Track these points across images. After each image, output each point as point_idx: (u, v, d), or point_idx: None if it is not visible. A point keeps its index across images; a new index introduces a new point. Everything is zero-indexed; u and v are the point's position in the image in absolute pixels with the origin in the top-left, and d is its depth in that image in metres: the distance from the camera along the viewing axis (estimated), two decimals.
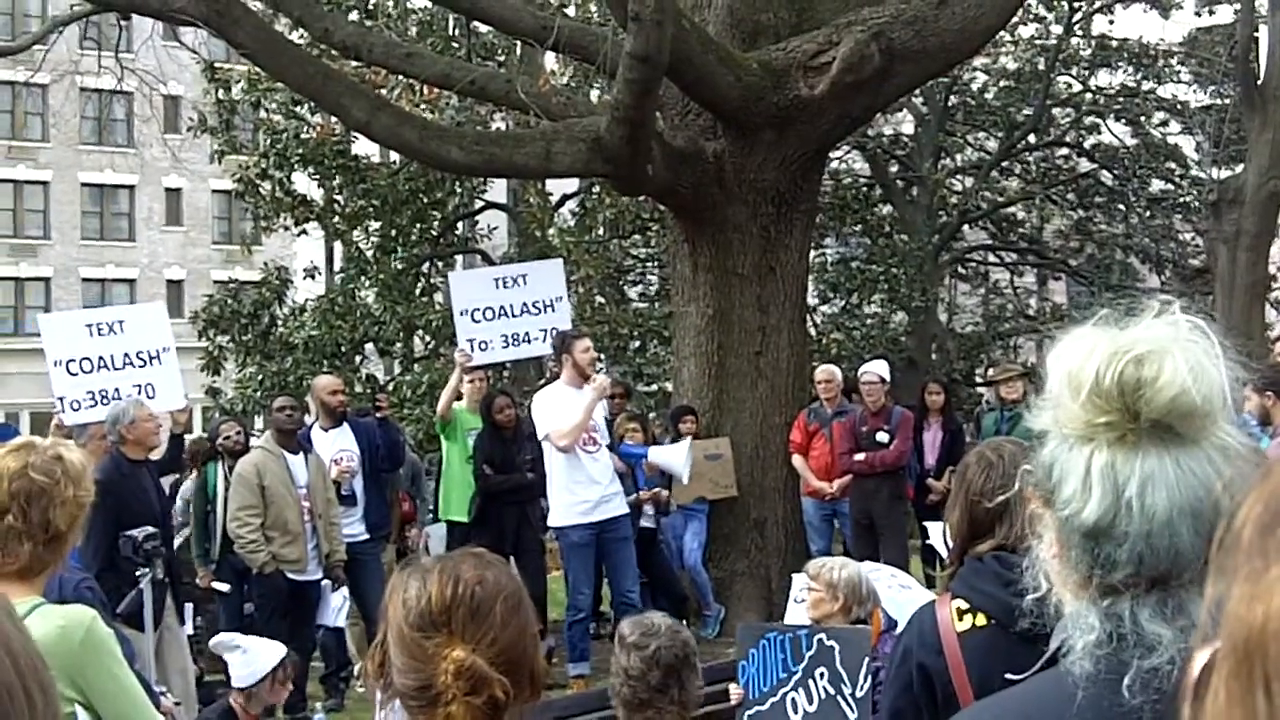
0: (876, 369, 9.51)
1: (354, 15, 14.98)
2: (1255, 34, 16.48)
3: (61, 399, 8.16)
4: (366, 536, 8.30)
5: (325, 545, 7.75)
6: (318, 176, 16.87)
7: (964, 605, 2.41)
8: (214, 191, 35.96)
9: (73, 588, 3.18)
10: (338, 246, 19.42)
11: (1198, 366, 1.30)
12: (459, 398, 8.96)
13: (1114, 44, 20.29)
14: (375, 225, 17.12)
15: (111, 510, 6.40)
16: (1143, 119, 20.58)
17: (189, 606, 7.83)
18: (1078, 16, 20.08)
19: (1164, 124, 20.99)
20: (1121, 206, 21.13)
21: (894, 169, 21.04)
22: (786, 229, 9.31)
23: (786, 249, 9.34)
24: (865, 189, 20.19)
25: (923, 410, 9.80)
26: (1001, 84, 20.79)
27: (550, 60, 15.23)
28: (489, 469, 8.55)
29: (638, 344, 17.91)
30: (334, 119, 13.36)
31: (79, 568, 4.36)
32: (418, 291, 17.14)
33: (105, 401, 7.79)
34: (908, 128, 21.54)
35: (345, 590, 7.92)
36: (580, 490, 7.64)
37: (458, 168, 11.59)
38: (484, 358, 9.29)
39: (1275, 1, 14.54)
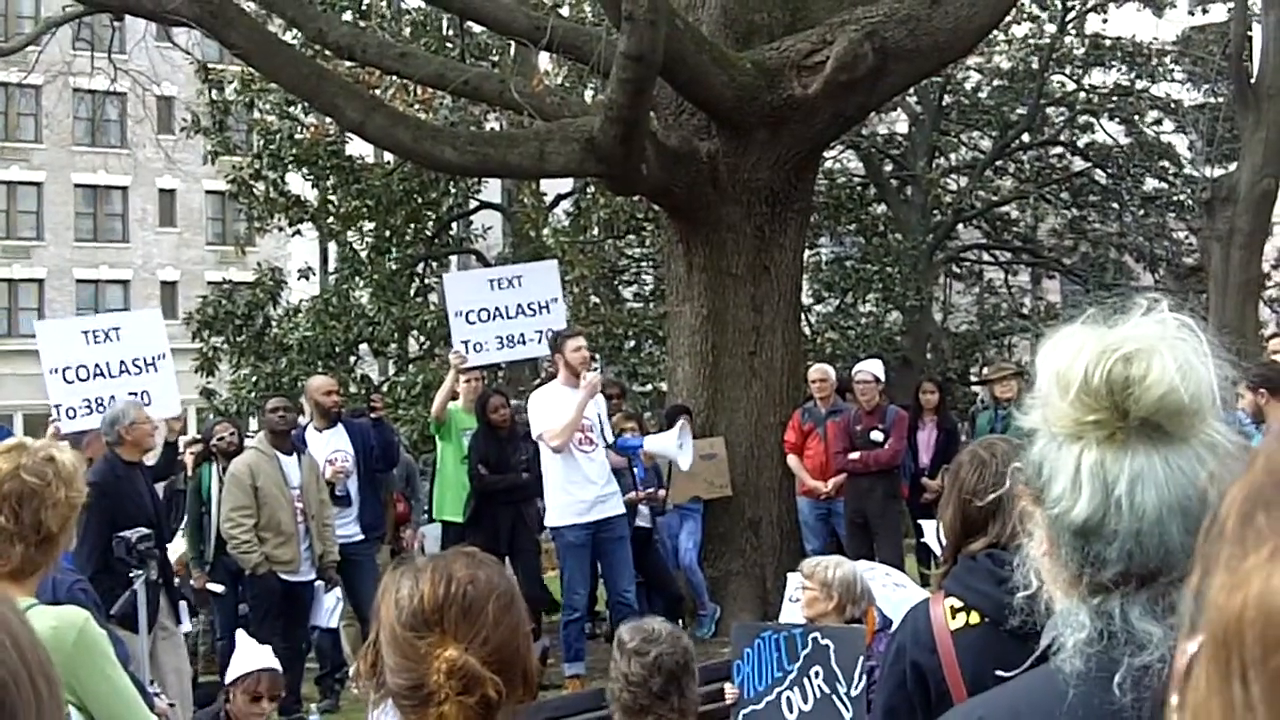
0: (871, 368, 9.52)
1: (348, 16, 14.96)
2: (1248, 32, 16.51)
3: (58, 407, 8.17)
4: (361, 537, 8.30)
5: (318, 546, 7.75)
6: (312, 177, 16.84)
7: (957, 603, 2.41)
8: (208, 192, 35.92)
9: (66, 589, 3.17)
10: (332, 247, 19.39)
11: (1186, 365, 1.30)
12: (454, 398, 8.96)
13: (1107, 43, 20.31)
14: (369, 226, 17.11)
15: (106, 512, 6.40)
16: (1136, 118, 20.61)
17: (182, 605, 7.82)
18: (1071, 15, 20.10)
19: (1158, 123, 21.02)
20: (1115, 205, 21.16)
21: (888, 168, 21.06)
22: (781, 228, 9.31)
23: (781, 248, 9.34)
24: (859, 188, 20.20)
25: (917, 409, 9.81)
26: (995, 83, 20.81)
27: (544, 60, 15.22)
28: (484, 469, 8.55)
29: (632, 344, 17.91)
30: (328, 119, 13.33)
31: (72, 569, 4.35)
32: (412, 292, 17.12)
33: (101, 409, 7.79)
34: (902, 127, 21.56)
35: (339, 591, 7.92)
36: (576, 490, 7.64)
37: (452, 168, 11.59)
38: (479, 359, 9.29)
39: (1268, 0, 14.57)
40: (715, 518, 9.21)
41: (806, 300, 16.40)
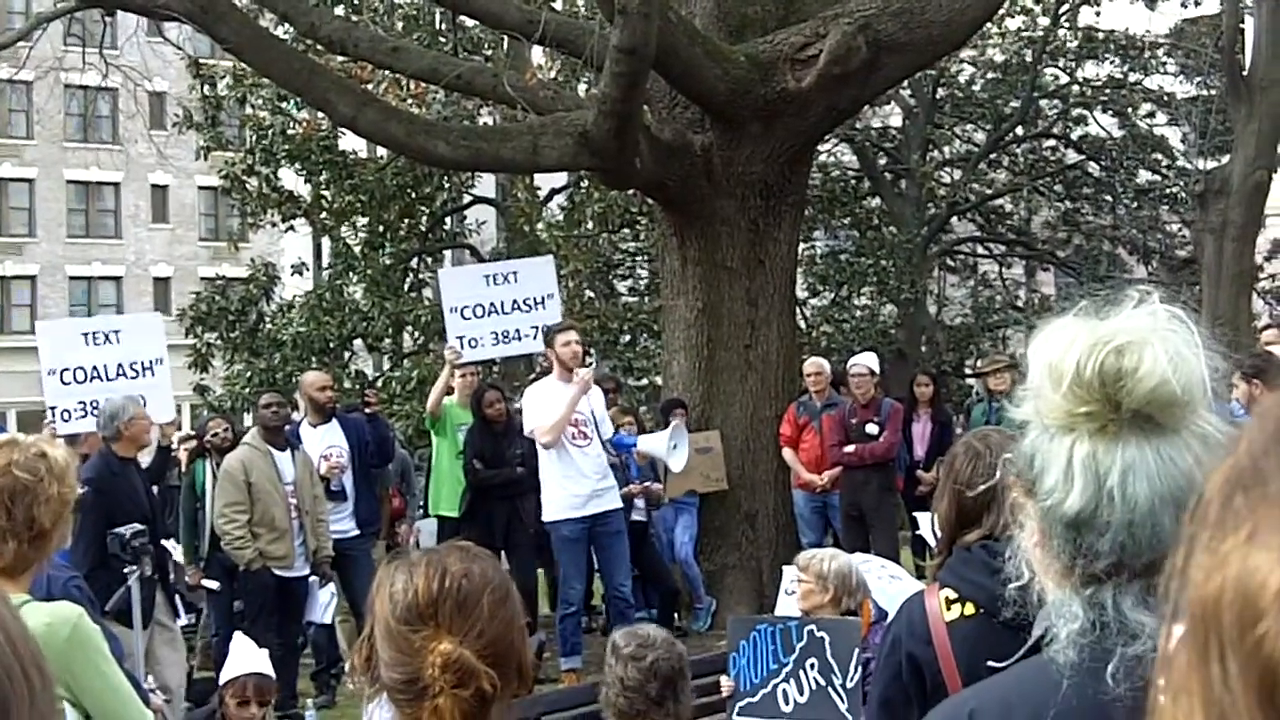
0: (865, 361, 9.54)
1: (340, 10, 14.92)
2: (1241, 25, 16.52)
3: (53, 409, 8.17)
4: (357, 532, 8.30)
5: (312, 542, 7.74)
6: (304, 172, 16.82)
7: (952, 595, 2.42)
8: (200, 188, 35.81)
9: (60, 586, 3.17)
10: (325, 242, 19.37)
11: (1177, 356, 1.31)
12: (449, 393, 8.95)
13: (1100, 36, 20.31)
14: (363, 221, 17.09)
15: (103, 508, 6.39)
16: (1129, 110, 20.61)
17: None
18: (1064, 8, 20.09)
19: (1150, 115, 21.03)
20: (1109, 198, 21.17)
21: (882, 162, 21.05)
22: (775, 222, 9.31)
23: (775, 242, 9.34)
24: (853, 182, 20.19)
25: (912, 402, 9.83)
26: (989, 76, 20.80)
27: (537, 54, 15.19)
28: (479, 464, 8.54)
29: (627, 338, 17.91)
30: (320, 114, 13.31)
31: (68, 566, 4.35)
32: (406, 287, 17.12)
33: (96, 412, 7.78)
34: (895, 120, 21.55)
35: (333, 586, 7.92)
36: (571, 484, 7.64)
37: (445, 162, 11.58)
38: (474, 354, 9.28)
39: None
40: (711, 511, 9.22)
41: (801, 294, 16.41)
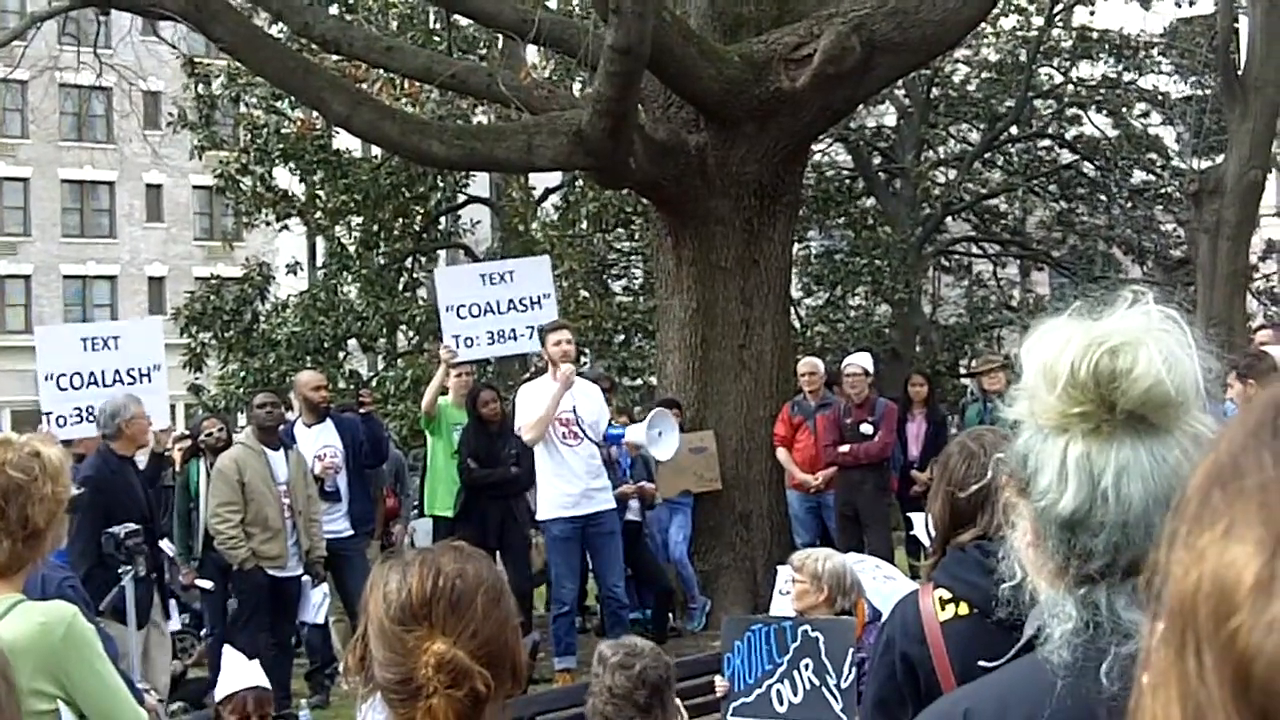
0: (860, 361, 9.54)
1: (334, 9, 14.91)
2: (1235, 25, 16.54)
3: (49, 414, 8.15)
4: (351, 532, 8.29)
5: (305, 541, 7.73)
6: (299, 171, 16.80)
7: (946, 595, 2.42)
8: (195, 187, 35.78)
9: (55, 585, 3.16)
10: (320, 242, 19.34)
11: (1171, 357, 1.31)
12: (444, 393, 8.95)
13: (1095, 35, 20.33)
14: (357, 220, 17.07)
15: (101, 507, 6.38)
16: (1124, 110, 20.63)
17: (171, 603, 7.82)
18: (1058, 8, 20.12)
19: (1145, 115, 21.05)
20: (1103, 198, 21.19)
21: (877, 161, 21.06)
22: (769, 222, 9.32)
23: (770, 242, 9.35)
24: (848, 181, 20.20)
25: (906, 402, 9.83)
26: (983, 76, 20.82)
27: (531, 54, 15.19)
28: (474, 463, 8.54)
29: (622, 338, 17.91)
30: (314, 113, 13.31)
31: (63, 565, 4.33)
32: (400, 286, 17.10)
33: (92, 418, 7.76)
34: (890, 120, 21.56)
35: (325, 586, 7.91)
36: (561, 483, 7.64)
37: (439, 162, 11.57)
38: (469, 354, 9.28)
39: None
40: (705, 511, 9.22)
41: (795, 293, 16.40)
